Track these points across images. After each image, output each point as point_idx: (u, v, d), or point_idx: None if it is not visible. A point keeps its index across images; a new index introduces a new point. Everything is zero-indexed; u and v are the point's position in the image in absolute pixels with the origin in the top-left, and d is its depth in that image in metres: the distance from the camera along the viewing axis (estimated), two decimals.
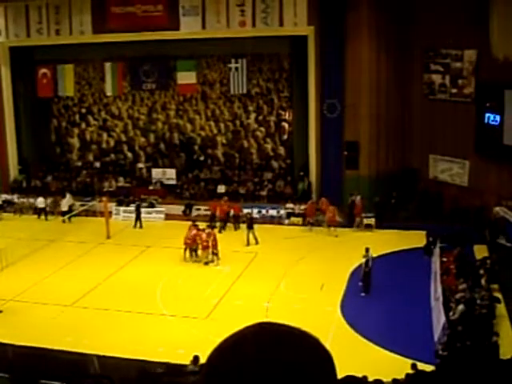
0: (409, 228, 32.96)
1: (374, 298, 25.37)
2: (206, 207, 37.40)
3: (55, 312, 25.17)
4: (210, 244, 30.18)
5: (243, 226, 34.20)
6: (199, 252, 30.60)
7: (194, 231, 30.58)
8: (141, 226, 36.69)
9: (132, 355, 20.10)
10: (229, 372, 1.85)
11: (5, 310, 25.35)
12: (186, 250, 30.52)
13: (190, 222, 32.05)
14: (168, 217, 37.65)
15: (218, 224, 35.05)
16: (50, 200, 39.70)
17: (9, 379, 14.96)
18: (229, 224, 35.73)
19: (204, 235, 30.42)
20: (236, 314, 24.19)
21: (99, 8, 38.41)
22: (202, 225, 31.82)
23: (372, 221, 34.52)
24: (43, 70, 41.82)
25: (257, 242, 32.56)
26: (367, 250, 26.17)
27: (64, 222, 37.74)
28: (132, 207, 38.22)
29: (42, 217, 38.94)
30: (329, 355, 1.92)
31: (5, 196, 41.67)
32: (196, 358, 16.98)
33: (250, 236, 32.78)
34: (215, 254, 30.34)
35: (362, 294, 25.77)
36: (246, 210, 35.63)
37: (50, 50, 41.61)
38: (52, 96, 43.81)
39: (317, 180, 37.66)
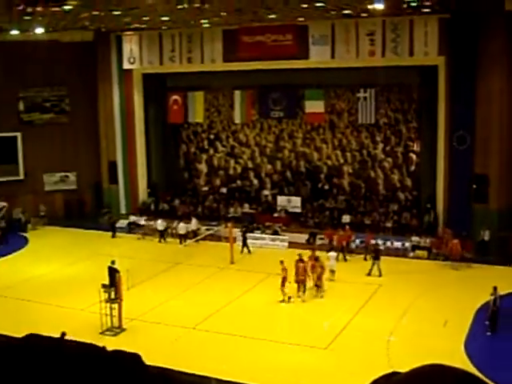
0: None
1: (502, 338, 24.41)
2: (322, 236, 37.40)
3: (177, 333, 25.55)
4: (313, 275, 29.57)
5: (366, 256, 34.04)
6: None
7: (300, 264, 29.51)
8: (248, 251, 36.94)
9: (250, 381, 20.06)
10: None
11: (128, 329, 25.93)
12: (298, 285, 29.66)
13: (311, 252, 31.82)
14: (291, 245, 37.58)
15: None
16: (175, 223, 40.41)
17: None
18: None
19: (308, 267, 29.63)
20: (356, 346, 23.87)
21: (230, 37, 39.13)
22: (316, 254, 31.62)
23: None
24: (174, 97, 42.90)
25: (380, 275, 32.04)
26: (495, 288, 25.24)
27: (183, 245, 38.31)
28: (256, 234, 38.66)
29: (169, 239, 39.75)
30: None
31: (133, 218, 42.84)
32: None
33: (375, 267, 32.32)
34: (317, 285, 29.66)
35: (489, 333, 24.86)
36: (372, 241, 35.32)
37: (181, 77, 42.83)
38: (182, 122, 44.85)
39: (444, 213, 36.82)
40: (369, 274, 32.20)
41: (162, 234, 39.99)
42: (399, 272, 32.85)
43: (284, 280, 28.96)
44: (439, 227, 36.71)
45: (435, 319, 26.20)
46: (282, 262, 29.45)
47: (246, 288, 30.62)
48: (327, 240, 36.62)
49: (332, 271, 31.92)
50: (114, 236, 41.24)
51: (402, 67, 37.08)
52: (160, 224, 39.98)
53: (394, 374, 2.00)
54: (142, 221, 42.18)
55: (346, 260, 34.84)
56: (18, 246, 39.52)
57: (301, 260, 29.65)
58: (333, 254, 32.95)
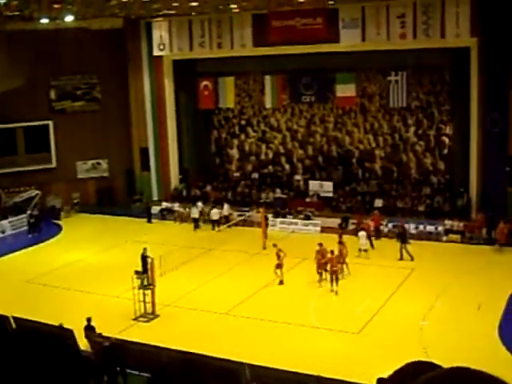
0: None
1: None
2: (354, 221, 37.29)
3: (210, 319, 25.63)
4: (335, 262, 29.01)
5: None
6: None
7: (333, 256, 28.86)
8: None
9: (282, 366, 20.05)
10: None
11: (162, 315, 26.05)
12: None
13: (344, 236, 31.69)
14: (324, 229, 37.47)
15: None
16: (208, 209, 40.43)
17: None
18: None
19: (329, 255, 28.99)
20: (389, 331, 23.80)
21: (260, 22, 38.90)
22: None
23: None
24: (205, 82, 42.86)
25: (412, 259, 31.80)
26: None
27: (216, 231, 38.18)
28: (288, 218, 38.79)
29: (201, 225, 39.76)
30: None
31: (165, 204, 43.00)
32: None
33: (404, 251, 32.08)
34: (328, 270, 29.02)
35: None
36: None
37: (211, 62, 42.74)
38: (213, 107, 44.81)
39: (477, 196, 36.43)
40: (401, 259, 31.98)
41: (196, 221, 40.01)
42: (432, 256, 32.61)
43: (279, 264, 29.32)
44: (472, 211, 36.37)
45: (469, 303, 26.00)
46: (275, 245, 30.08)
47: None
48: (356, 226, 36.36)
49: (364, 250, 31.95)
50: (149, 221, 41.41)
51: (433, 49, 36.65)
52: (215, 213, 39.50)
53: (419, 363, 1.94)
54: (176, 207, 42.23)
55: (373, 247, 33.82)
56: (52, 234, 39.88)
57: (331, 252, 29.09)
58: (362, 233, 32.87)
